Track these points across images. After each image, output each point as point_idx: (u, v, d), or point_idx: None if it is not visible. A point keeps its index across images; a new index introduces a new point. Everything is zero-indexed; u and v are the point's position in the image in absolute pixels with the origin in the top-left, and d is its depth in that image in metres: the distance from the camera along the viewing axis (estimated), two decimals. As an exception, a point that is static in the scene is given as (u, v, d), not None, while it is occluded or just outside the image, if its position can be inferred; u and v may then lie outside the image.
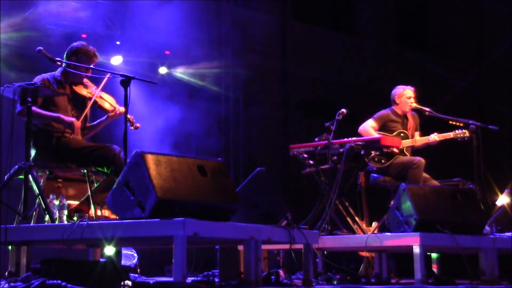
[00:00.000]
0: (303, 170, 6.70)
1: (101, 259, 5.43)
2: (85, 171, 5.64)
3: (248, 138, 10.42)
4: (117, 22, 9.25)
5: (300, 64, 10.98)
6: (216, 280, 5.14)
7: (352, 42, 11.79)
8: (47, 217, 5.03)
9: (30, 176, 5.01)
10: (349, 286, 5.31)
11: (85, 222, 4.37)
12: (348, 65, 11.44)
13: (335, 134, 6.43)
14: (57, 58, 5.53)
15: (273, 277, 5.05)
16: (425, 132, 7.18)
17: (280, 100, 10.98)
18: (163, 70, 9.99)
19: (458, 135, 6.97)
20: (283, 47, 11.11)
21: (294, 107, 11.17)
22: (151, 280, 5.39)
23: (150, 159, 4.23)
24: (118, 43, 9.38)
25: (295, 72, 11.04)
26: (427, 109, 7.09)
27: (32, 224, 5.15)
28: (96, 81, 5.95)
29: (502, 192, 7.01)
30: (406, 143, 6.98)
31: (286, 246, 5.23)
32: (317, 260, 5.87)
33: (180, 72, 10.17)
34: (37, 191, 5.06)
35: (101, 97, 5.81)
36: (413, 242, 5.16)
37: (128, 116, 5.32)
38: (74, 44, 5.81)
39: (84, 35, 8.78)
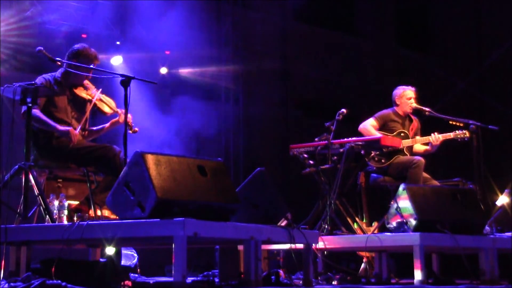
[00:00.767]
0: (303, 170, 6.70)
1: (101, 259, 5.44)
2: (85, 171, 5.64)
3: (248, 138, 10.42)
4: (117, 22, 9.25)
5: (300, 64, 10.98)
6: (216, 280, 5.14)
7: (352, 42, 11.79)
8: (47, 217, 5.03)
9: (30, 176, 5.01)
10: (349, 286, 5.31)
11: (85, 222, 4.36)
12: (348, 65, 11.44)
13: (335, 134, 6.43)
14: (57, 58, 5.53)
15: (273, 277, 5.05)
16: (425, 133, 7.17)
17: (280, 100, 10.98)
18: (163, 70, 10.00)
19: (458, 136, 6.97)
20: (283, 47, 11.11)
21: (294, 107, 11.17)
22: (151, 280, 5.39)
23: (150, 159, 4.23)
24: (118, 43, 9.39)
25: (295, 72, 11.04)
26: (427, 109, 7.09)
27: (32, 224, 5.14)
28: (96, 83, 5.95)
29: (502, 192, 7.01)
30: (406, 143, 6.98)
31: (286, 246, 5.23)
32: (317, 260, 5.87)
33: (180, 72, 10.17)
34: (37, 191, 5.06)
35: (101, 100, 5.80)
36: (413, 242, 5.16)
37: (128, 118, 5.32)
38: (75, 46, 5.81)
39: (84, 35, 8.79)
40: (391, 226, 5.56)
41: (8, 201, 4.93)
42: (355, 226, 6.36)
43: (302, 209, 6.65)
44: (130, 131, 5.62)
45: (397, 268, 6.94)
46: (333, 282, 5.49)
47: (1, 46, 8.16)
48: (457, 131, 6.99)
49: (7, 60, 8.38)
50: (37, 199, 5.12)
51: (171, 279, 4.13)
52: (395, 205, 5.51)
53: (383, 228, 6.02)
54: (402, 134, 7.04)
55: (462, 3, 12.05)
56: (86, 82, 5.85)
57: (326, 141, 6.41)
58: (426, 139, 7.07)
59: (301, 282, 5.11)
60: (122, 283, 4.47)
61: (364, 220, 6.76)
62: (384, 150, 6.71)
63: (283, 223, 5.06)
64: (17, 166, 5.07)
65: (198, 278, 5.36)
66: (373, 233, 5.96)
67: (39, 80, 5.65)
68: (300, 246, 4.97)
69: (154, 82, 5.62)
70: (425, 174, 6.83)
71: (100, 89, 5.81)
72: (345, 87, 11.04)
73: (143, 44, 9.57)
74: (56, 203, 5.15)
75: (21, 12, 8.38)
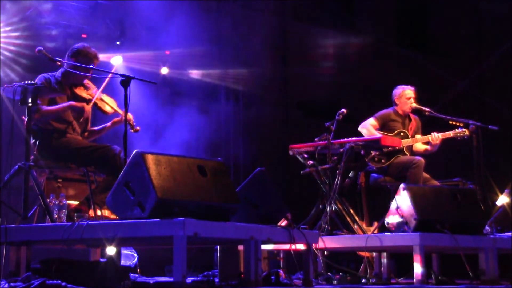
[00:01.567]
0: (303, 170, 6.70)
1: (101, 259, 5.43)
2: (85, 171, 5.64)
3: (248, 138, 10.42)
4: (117, 22, 9.25)
5: (300, 64, 10.97)
6: (216, 280, 5.13)
7: (352, 42, 11.79)
8: (47, 217, 5.03)
9: (30, 176, 5.01)
10: (349, 286, 5.31)
11: (85, 222, 4.36)
12: (348, 65, 11.43)
13: (335, 134, 6.43)
14: (57, 58, 5.53)
15: (273, 277, 5.05)
16: (425, 133, 7.18)
17: (280, 100, 10.97)
18: (164, 70, 10.00)
19: (458, 134, 6.97)
20: (283, 47, 11.11)
21: (294, 107, 11.17)
22: (151, 280, 5.39)
23: (150, 159, 4.23)
24: (118, 43, 9.39)
25: (295, 72, 11.03)
26: (427, 109, 7.09)
27: (32, 224, 5.14)
28: (97, 83, 5.95)
29: (502, 192, 7.01)
30: (406, 142, 6.98)
31: (286, 246, 5.23)
32: (317, 260, 5.87)
33: (180, 72, 10.17)
34: (37, 191, 5.06)
35: (101, 100, 5.80)
36: (413, 242, 5.16)
37: (129, 118, 5.32)
38: (75, 45, 5.81)
39: (84, 35, 8.78)
40: (391, 226, 5.56)
41: (8, 201, 4.93)
42: (355, 226, 6.35)
43: (302, 209, 6.65)
44: (132, 130, 5.62)
45: (397, 268, 6.94)
46: (333, 282, 5.49)
47: (0, 46, 8.16)
48: (456, 130, 6.99)
49: (7, 60, 8.37)
50: (37, 199, 5.12)
51: (171, 279, 4.13)
52: (395, 205, 5.52)
53: (383, 228, 6.02)
54: (401, 134, 7.04)
55: (462, 3, 12.05)
56: (87, 81, 5.85)
57: (326, 141, 6.41)
58: (425, 138, 7.07)
59: (301, 282, 5.11)
60: (122, 283, 4.46)
61: (364, 220, 6.75)
62: (384, 150, 6.71)
63: (283, 223, 5.05)
64: (17, 166, 5.06)
65: (198, 278, 5.36)
66: (373, 233, 5.95)
67: (39, 79, 5.65)
68: (300, 246, 4.97)
69: (154, 82, 5.62)
70: (425, 174, 6.83)
71: (101, 88, 5.81)
72: (345, 87, 11.03)
73: (143, 44, 9.57)
74: (56, 203, 5.15)
75: (21, 12, 8.38)
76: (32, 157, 5.29)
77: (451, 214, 5.53)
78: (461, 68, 11.63)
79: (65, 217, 5.20)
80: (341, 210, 6.39)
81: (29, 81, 5.17)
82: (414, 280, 5.16)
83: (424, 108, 7.09)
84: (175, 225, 4.03)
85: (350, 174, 6.81)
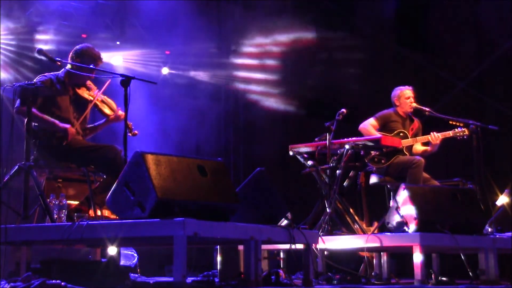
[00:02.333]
0: (303, 170, 6.70)
1: (102, 259, 5.44)
2: (85, 171, 5.64)
3: (248, 138, 10.42)
4: (117, 22, 9.25)
5: (300, 64, 10.96)
6: (216, 280, 5.14)
7: (352, 42, 11.78)
8: (47, 217, 5.03)
9: (30, 176, 5.01)
10: (349, 286, 5.31)
11: (85, 222, 4.36)
12: (348, 65, 11.43)
13: (335, 134, 6.43)
14: (57, 58, 5.53)
15: (273, 277, 5.05)
16: (425, 133, 7.17)
17: (280, 100, 10.97)
18: (164, 70, 10.00)
19: (458, 134, 6.98)
20: (283, 47, 11.10)
21: (294, 107, 11.16)
22: (151, 280, 5.39)
23: (150, 159, 4.23)
24: (118, 43, 9.39)
25: (295, 72, 11.03)
26: (427, 109, 7.09)
27: (32, 224, 5.14)
28: (99, 84, 5.96)
29: (502, 192, 7.01)
30: (406, 142, 6.99)
31: (286, 246, 5.23)
32: (317, 260, 5.87)
33: (180, 72, 10.17)
34: (37, 191, 5.06)
35: (102, 101, 5.82)
36: (413, 242, 5.16)
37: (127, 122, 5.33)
38: (79, 46, 5.81)
39: (84, 35, 8.79)
40: (391, 226, 5.56)
41: (8, 201, 4.93)
42: (355, 226, 6.36)
43: (302, 209, 6.65)
44: (130, 134, 5.63)
45: (397, 268, 6.95)
46: (333, 282, 5.49)
47: (0, 46, 8.16)
48: (456, 129, 7.00)
49: (7, 60, 8.38)
50: (37, 199, 5.12)
51: (171, 279, 4.13)
52: (395, 205, 5.52)
53: (383, 228, 6.03)
54: (401, 134, 7.04)
55: (463, 2, 12.04)
56: (89, 82, 5.86)
57: (326, 141, 6.41)
58: (425, 138, 7.07)
59: (301, 282, 5.11)
60: (122, 283, 4.46)
61: (364, 220, 6.76)
62: (384, 150, 6.71)
63: (283, 223, 5.06)
64: (17, 166, 5.07)
65: (198, 278, 5.36)
66: (373, 233, 5.96)
67: (39, 78, 5.65)
68: (300, 246, 4.97)
69: (154, 82, 5.62)
70: (425, 174, 6.83)
71: (102, 90, 5.82)
72: (345, 87, 11.03)
73: (143, 44, 9.57)
74: (56, 203, 5.15)
75: (21, 12, 8.38)
76: (32, 157, 5.29)
77: (451, 214, 5.53)
78: (461, 68, 11.63)
79: (65, 217, 5.20)
80: (341, 210, 6.39)
81: (29, 81, 5.17)
82: (414, 280, 5.16)
83: (424, 108, 7.09)
84: (175, 225, 4.03)
85: (350, 174, 6.81)
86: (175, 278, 4.01)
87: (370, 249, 5.88)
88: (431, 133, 7.04)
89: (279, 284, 4.96)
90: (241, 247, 5.24)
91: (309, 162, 6.71)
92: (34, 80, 5.58)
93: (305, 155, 6.73)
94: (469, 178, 6.93)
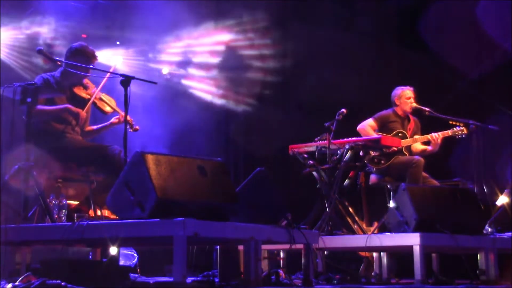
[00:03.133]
0: (303, 170, 6.70)
1: (102, 259, 5.43)
2: (85, 171, 5.64)
3: (248, 138, 10.41)
4: (117, 22, 9.25)
5: (300, 64, 10.96)
6: (216, 280, 5.13)
7: (352, 42, 11.78)
8: (47, 217, 5.03)
9: (30, 176, 5.01)
10: (349, 286, 5.31)
11: (85, 222, 4.36)
12: (348, 65, 11.42)
13: (335, 134, 6.43)
14: (57, 58, 5.53)
15: (273, 277, 5.05)
16: (425, 133, 7.17)
17: (280, 100, 10.96)
18: (164, 70, 10.00)
19: (457, 132, 6.99)
20: (283, 47, 11.10)
21: (294, 107, 11.16)
22: (151, 280, 5.39)
23: (150, 159, 4.23)
24: (118, 43, 9.39)
25: (295, 72, 11.02)
26: (427, 109, 7.10)
27: (32, 224, 5.14)
28: (97, 82, 5.95)
29: (502, 192, 7.01)
30: (406, 142, 6.99)
31: (286, 246, 5.23)
32: (317, 260, 5.87)
33: (180, 72, 10.16)
34: (37, 191, 5.06)
35: (100, 99, 5.81)
36: (413, 242, 5.16)
37: (128, 118, 5.33)
38: (73, 44, 5.82)
39: (84, 35, 8.79)
40: (391, 226, 5.56)
41: (8, 201, 4.92)
42: (355, 226, 6.36)
43: (302, 209, 6.65)
44: (131, 130, 5.63)
45: (397, 268, 6.95)
46: (333, 282, 5.49)
47: (0, 45, 8.16)
48: (455, 128, 7.01)
49: (7, 60, 8.38)
50: (37, 199, 5.12)
51: (171, 279, 4.13)
52: (395, 205, 5.52)
53: (383, 228, 6.03)
54: (400, 134, 7.05)
55: (463, 2, 12.03)
56: (86, 81, 5.86)
57: (326, 141, 6.41)
58: (425, 137, 7.08)
59: (301, 282, 5.11)
60: (123, 283, 4.46)
61: (364, 220, 6.76)
62: (383, 150, 6.71)
63: (283, 223, 5.06)
64: (17, 166, 5.06)
65: (198, 278, 5.36)
66: (373, 233, 5.96)
67: (38, 79, 5.65)
68: (300, 246, 4.97)
69: (154, 82, 5.63)
70: (424, 174, 6.84)
71: (99, 87, 5.81)
72: (345, 87, 11.03)
73: (143, 44, 9.56)
74: (56, 203, 5.15)
75: (21, 12, 8.38)
76: (32, 157, 5.29)
77: (451, 214, 5.53)
78: (461, 68, 11.62)
79: (65, 217, 5.20)
80: (341, 210, 6.39)
81: (29, 81, 5.17)
82: (414, 280, 5.16)
83: (424, 108, 7.10)
84: (175, 225, 4.03)
85: (350, 174, 6.81)
86: (175, 278, 4.01)
87: (370, 249, 5.88)
88: (431, 133, 7.05)
89: (279, 284, 4.96)
90: (241, 247, 5.24)
91: (309, 162, 6.71)
92: (34, 81, 5.58)
93: (305, 155, 6.73)
94: (469, 178, 6.93)
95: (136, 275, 6.34)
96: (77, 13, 8.79)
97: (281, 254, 6.57)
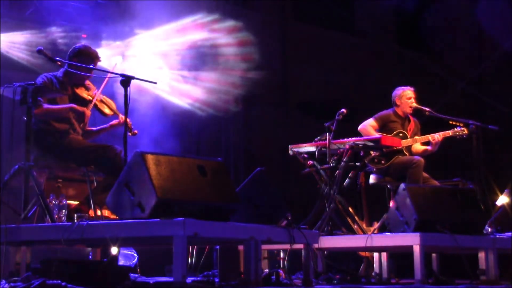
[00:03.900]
0: (303, 170, 6.70)
1: (102, 259, 5.44)
2: (85, 171, 5.64)
3: (248, 138, 10.41)
4: (117, 22, 9.24)
5: (300, 64, 10.97)
6: (216, 280, 5.13)
7: (352, 42, 11.79)
8: (47, 217, 5.02)
9: (30, 176, 5.01)
10: (349, 286, 5.31)
11: (85, 222, 4.36)
12: (348, 65, 11.43)
13: (335, 134, 6.43)
14: (57, 58, 5.53)
15: (273, 277, 5.05)
16: (425, 133, 7.18)
17: (280, 100, 10.97)
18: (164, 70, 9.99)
19: (457, 133, 6.99)
20: (283, 47, 11.10)
21: (294, 107, 11.17)
22: (151, 280, 5.39)
23: (150, 159, 4.23)
24: (118, 43, 9.38)
25: (295, 72, 11.03)
26: (427, 109, 7.10)
27: (32, 224, 5.14)
28: (97, 83, 5.95)
29: (502, 192, 7.01)
30: (406, 142, 6.99)
31: (286, 246, 5.23)
32: (317, 260, 5.87)
33: (179, 72, 10.16)
34: (37, 191, 5.06)
35: (101, 101, 5.81)
36: (413, 242, 5.16)
37: (128, 121, 5.33)
38: (77, 45, 5.82)
39: (84, 35, 8.79)
40: (391, 226, 5.56)
41: (8, 201, 4.92)
42: (355, 226, 6.36)
43: (302, 209, 6.65)
44: (130, 134, 5.63)
45: (397, 268, 6.95)
46: (333, 282, 5.49)
47: (0, 45, 8.16)
48: (455, 129, 7.01)
49: (7, 60, 8.37)
50: (37, 199, 5.11)
51: (171, 279, 4.13)
52: (395, 205, 5.52)
53: (383, 228, 6.03)
54: (400, 134, 7.05)
55: (462, 2, 12.04)
56: (88, 82, 5.86)
57: (326, 141, 6.41)
58: (425, 138, 7.08)
59: (301, 282, 5.11)
60: (122, 283, 4.46)
61: (364, 220, 6.76)
62: (384, 150, 6.71)
63: (283, 223, 5.06)
64: (17, 166, 5.06)
65: (198, 278, 5.36)
66: (373, 233, 5.96)
67: (40, 79, 5.65)
68: (300, 246, 4.97)
69: (154, 82, 5.62)
70: (424, 174, 6.84)
71: (101, 89, 5.82)
72: (345, 87, 11.04)
73: (143, 44, 9.56)
74: (56, 203, 5.15)
75: (21, 12, 8.38)
76: (32, 157, 5.29)
77: (451, 214, 5.53)
78: (461, 68, 11.64)
79: (65, 217, 5.20)
80: (341, 210, 6.39)
81: (29, 81, 5.17)
82: (414, 280, 5.16)
83: (424, 108, 7.10)
84: (175, 225, 4.02)
85: (350, 174, 6.81)
86: (175, 278, 4.01)
87: (370, 249, 5.88)
88: (432, 134, 7.06)
89: (279, 284, 4.96)
90: (241, 247, 5.24)
91: (309, 162, 6.71)
92: (35, 81, 5.58)
93: (305, 155, 6.73)
94: (469, 178, 6.93)
95: (136, 275, 6.34)
96: (77, 13, 8.79)
97: (281, 254, 6.57)
